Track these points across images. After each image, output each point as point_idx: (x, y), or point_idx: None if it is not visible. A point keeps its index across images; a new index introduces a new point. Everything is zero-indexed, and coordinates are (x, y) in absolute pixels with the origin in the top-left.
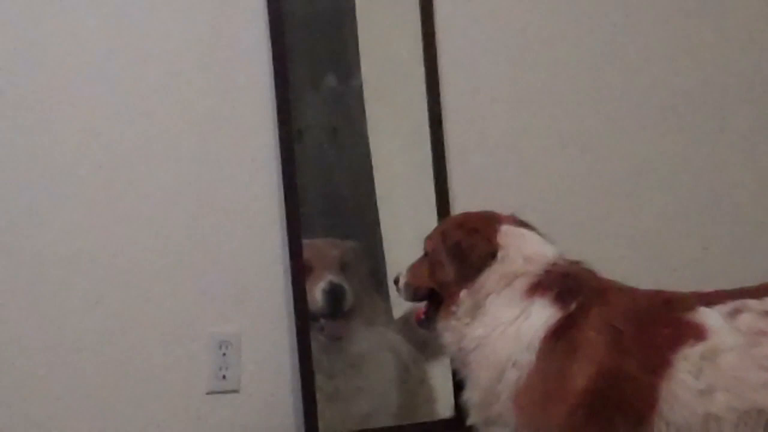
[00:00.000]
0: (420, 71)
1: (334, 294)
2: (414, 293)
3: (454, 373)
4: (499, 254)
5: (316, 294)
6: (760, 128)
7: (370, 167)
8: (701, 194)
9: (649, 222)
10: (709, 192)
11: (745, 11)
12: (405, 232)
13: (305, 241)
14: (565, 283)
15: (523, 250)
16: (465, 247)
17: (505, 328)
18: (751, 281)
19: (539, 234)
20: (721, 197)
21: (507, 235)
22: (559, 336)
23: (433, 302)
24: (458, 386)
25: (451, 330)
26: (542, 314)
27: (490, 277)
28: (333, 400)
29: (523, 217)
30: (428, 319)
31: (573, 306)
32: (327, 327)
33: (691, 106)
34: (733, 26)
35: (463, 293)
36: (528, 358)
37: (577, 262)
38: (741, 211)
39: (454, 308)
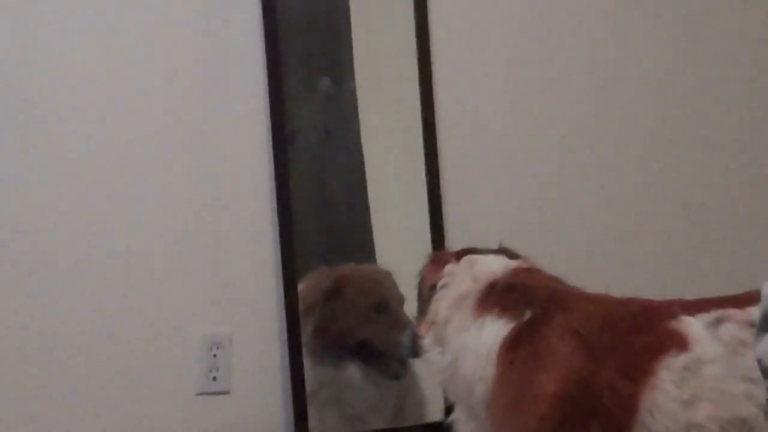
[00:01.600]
0: (414, 75)
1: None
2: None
3: None
4: (440, 282)
5: (404, 339)
6: (753, 131)
7: (363, 170)
8: (698, 202)
9: (644, 229)
10: (707, 201)
11: (740, 13)
12: (396, 235)
13: (371, 277)
14: (509, 295)
15: (473, 272)
16: (423, 278)
17: (466, 347)
18: (743, 286)
19: (509, 252)
20: (718, 204)
21: (461, 262)
22: (517, 345)
23: None
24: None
25: (429, 362)
26: (493, 327)
27: (439, 305)
28: (324, 408)
29: (510, 229)
30: None
31: (527, 315)
32: (395, 368)
33: (691, 107)
34: (726, 33)
35: (422, 325)
36: (490, 370)
37: (529, 270)
38: (733, 217)
39: (421, 341)
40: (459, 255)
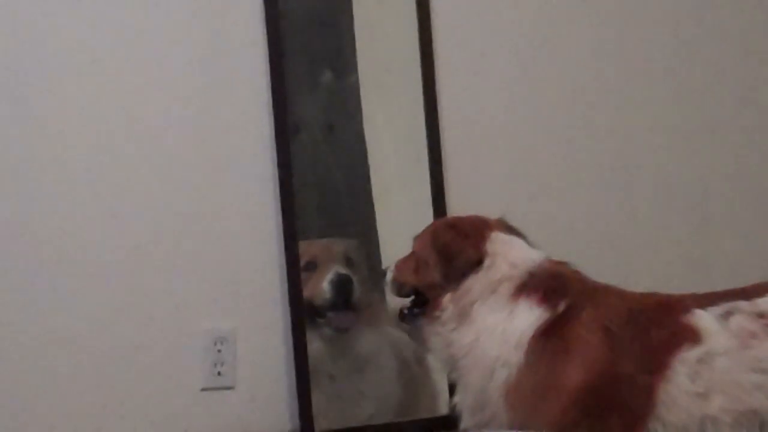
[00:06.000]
0: (417, 68)
1: (342, 284)
2: (399, 289)
3: None
4: (486, 262)
5: (324, 286)
6: (754, 127)
7: (366, 164)
8: (696, 193)
9: (643, 221)
10: (704, 192)
11: (741, 10)
12: (401, 230)
13: (308, 241)
14: (551, 284)
15: (509, 257)
16: (454, 249)
17: (492, 331)
18: (744, 280)
19: (526, 239)
20: (717, 196)
21: (495, 242)
22: (549, 335)
23: (418, 300)
24: (453, 385)
25: (437, 336)
26: (529, 315)
27: (475, 284)
28: (333, 401)
29: (512, 220)
30: (410, 316)
31: (561, 306)
32: (335, 318)
33: (689, 104)
34: (729, 28)
35: (446, 298)
36: (517, 356)
37: (562, 263)
38: (735, 210)
39: (438, 313)
40: (483, 228)
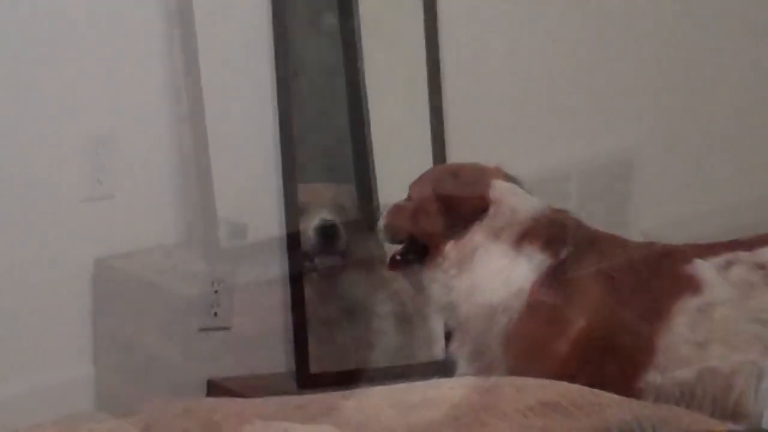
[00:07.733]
0: (419, 12)
1: (326, 231)
2: (393, 235)
3: None
4: (491, 210)
5: (309, 232)
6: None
7: (366, 108)
8: (698, 140)
9: (644, 171)
10: (707, 138)
11: None
12: (400, 175)
13: (301, 185)
14: (552, 232)
15: (512, 205)
16: (458, 198)
17: (493, 278)
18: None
19: (523, 187)
20: (720, 143)
21: (497, 190)
22: (551, 283)
23: (411, 247)
24: (449, 333)
25: (437, 282)
26: (531, 262)
27: (479, 232)
28: (327, 345)
29: (510, 167)
30: (403, 262)
31: (563, 254)
32: (319, 261)
33: (694, 51)
34: None
35: (449, 245)
36: (518, 303)
37: (562, 211)
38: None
39: (439, 260)
40: (485, 176)
